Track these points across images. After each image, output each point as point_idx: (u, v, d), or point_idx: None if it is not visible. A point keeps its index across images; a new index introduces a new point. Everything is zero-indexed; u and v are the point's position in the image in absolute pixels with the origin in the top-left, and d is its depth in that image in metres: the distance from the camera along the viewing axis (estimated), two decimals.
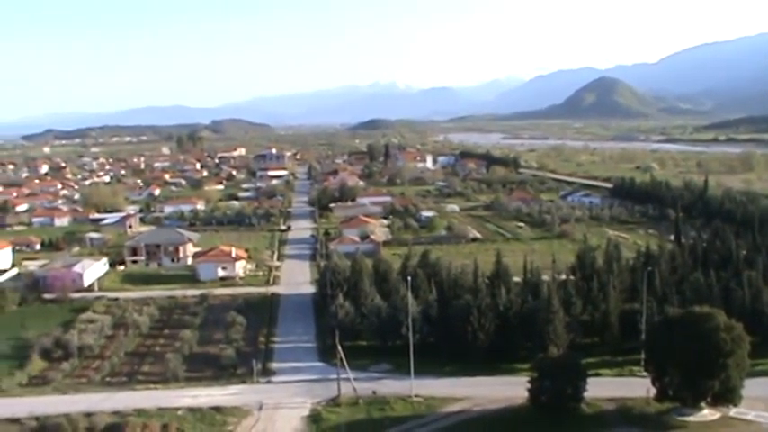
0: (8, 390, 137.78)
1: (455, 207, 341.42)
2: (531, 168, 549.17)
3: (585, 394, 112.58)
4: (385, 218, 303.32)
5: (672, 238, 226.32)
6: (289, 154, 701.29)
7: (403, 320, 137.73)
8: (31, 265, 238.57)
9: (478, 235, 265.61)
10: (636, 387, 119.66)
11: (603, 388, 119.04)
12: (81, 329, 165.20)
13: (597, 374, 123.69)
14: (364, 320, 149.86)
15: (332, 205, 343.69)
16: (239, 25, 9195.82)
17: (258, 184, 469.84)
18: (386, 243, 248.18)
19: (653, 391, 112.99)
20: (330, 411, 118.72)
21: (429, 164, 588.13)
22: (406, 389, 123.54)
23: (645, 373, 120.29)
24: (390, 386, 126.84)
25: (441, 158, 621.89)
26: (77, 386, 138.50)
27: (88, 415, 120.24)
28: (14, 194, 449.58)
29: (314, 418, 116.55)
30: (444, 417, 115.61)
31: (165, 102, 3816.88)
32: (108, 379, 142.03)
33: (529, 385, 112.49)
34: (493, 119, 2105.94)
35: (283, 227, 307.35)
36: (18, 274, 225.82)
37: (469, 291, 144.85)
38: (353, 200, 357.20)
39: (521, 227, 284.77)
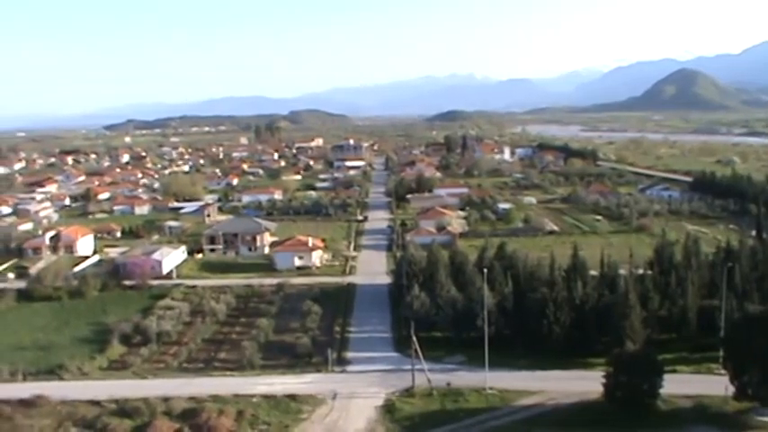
0: (89, 373, 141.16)
1: (532, 199, 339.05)
2: (610, 161, 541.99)
3: (662, 391, 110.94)
4: (462, 209, 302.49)
5: (753, 233, 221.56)
6: (366, 145, 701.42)
7: (478, 312, 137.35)
8: (112, 252, 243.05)
9: (555, 228, 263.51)
10: (713, 385, 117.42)
11: (680, 385, 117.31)
12: (159, 316, 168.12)
13: (674, 371, 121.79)
14: (439, 312, 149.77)
15: (409, 196, 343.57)
16: (317, 18, 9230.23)
17: (335, 175, 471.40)
18: (462, 235, 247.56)
19: (731, 390, 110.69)
20: (404, 402, 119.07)
21: (506, 155, 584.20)
22: (480, 381, 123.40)
23: (723, 371, 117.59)
24: (465, 378, 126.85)
25: (518, 150, 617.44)
26: (155, 371, 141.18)
27: (165, 400, 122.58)
28: (96, 183, 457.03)
29: (388, 409, 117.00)
30: (518, 410, 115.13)
31: (243, 92, 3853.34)
32: (185, 365, 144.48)
33: (604, 380, 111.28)
34: (571, 111, 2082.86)
35: (360, 217, 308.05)
36: (99, 260, 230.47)
37: (546, 284, 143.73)
38: (430, 191, 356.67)
39: (598, 220, 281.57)
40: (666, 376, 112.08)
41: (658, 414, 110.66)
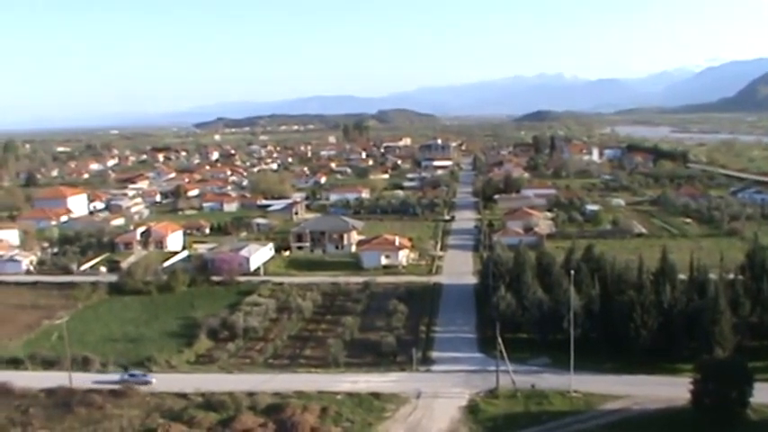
0: (177, 366, 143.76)
1: (621, 201, 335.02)
2: (700, 163, 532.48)
3: (752, 400, 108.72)
4: (549, 210, 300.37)
5: None
6: (454, 144, 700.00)
7: (564, 314, 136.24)
8: (201, 248, 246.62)
9: (644, 230, 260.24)
10: None
11: None
12: (246, 312, 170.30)
13: (766, 380, 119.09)
14: (525, 313, 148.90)
15: (496, 196, 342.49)
16: (406, 18, 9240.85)
17: (423, 174, 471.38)
18: (549, 236, 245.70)
19: None
20: (488, 403, 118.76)
21: (595, 156, 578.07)
22: (564, 384, 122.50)
23: None
24: (549, 380, 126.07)
25: (607, 151, 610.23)
26: (241, 366, 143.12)
27: (251, 394, 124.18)
28: (186, 180, 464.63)
29: (471, 409, 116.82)
30: (603, 414, 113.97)
31: (332, 91, 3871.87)
32: (271, 361, 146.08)
33: (691, 387, 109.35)
34: (661, 111, 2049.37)
35: (447, 217, 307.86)
36: (188, 256, 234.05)
37: (633, 287, 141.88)
38: (518, 191, 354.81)
39: (688, 223, 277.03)
40: (757, 385, 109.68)
41: (748, 423, 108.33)
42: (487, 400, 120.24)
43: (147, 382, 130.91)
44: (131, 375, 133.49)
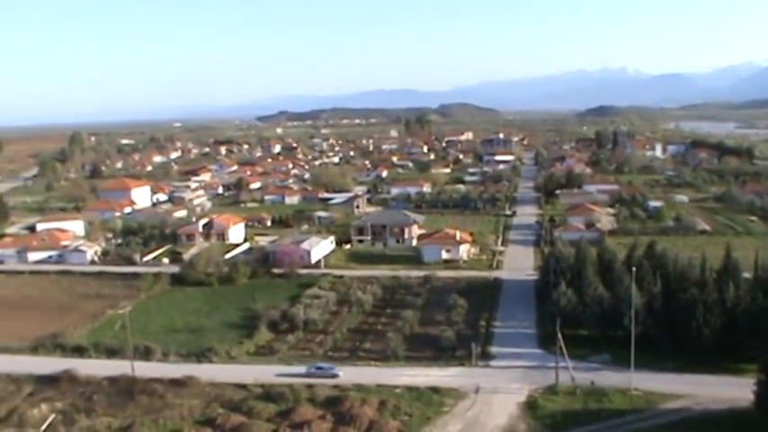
0: (237, 357, 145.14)
1: (684, 198, 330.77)
2: (767, 159, 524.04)
3: None
4: (611, 206, 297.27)
5: None
6: (516, 139, 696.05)
7: (625, 311, 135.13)
8: (262, 241, 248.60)
9: (707, 227, 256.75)
10: None
11: None
12: (307, 304, 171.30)
13: None
14: (586, 309, 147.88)
15: (558, 192, 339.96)
16: (468, 12, 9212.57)
17: (485, 169, 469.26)
18: (611, 232, 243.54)
19: None
20: (547, 399, 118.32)
21: (658, 152, 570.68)
22: (625, 381, 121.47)
23: None
24: (609, 378, 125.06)
25: (670, 147, 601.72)
26: (301, 358, 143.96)
27: (310, 386, 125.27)
28: (248, 173, 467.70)
29: (530, 405, 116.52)
30: (664, 413, 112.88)
31: (394, 85, 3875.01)
32: (330, 353, 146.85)
33: (755, 388, 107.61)
34: (727, 107, 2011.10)
35: (508, 212, 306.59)
36: (250, 248, 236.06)
37: (696, 285, 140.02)
38: (580, 187, 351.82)
39: (753, 221, 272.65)
40: None
41: None
42: (546, 396, 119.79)
43: (334, 375, 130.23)
44: (318, 368, 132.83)
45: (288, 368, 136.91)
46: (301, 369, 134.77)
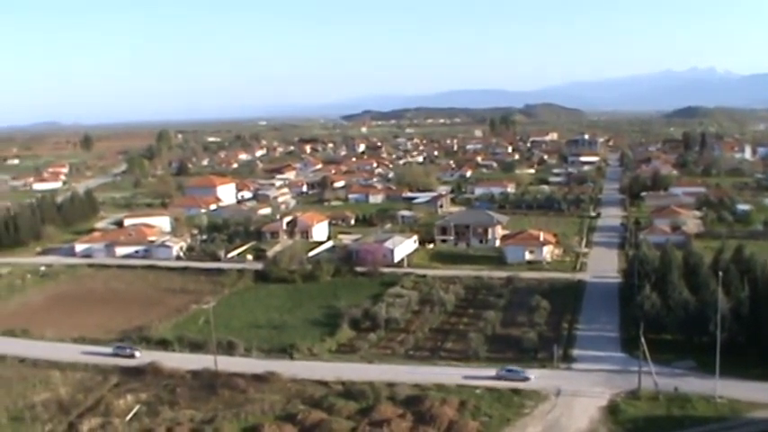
0: (319, 354, 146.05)
1: None
2: None
3: None
4: (698, 209, 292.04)
5: None
6: (601, 140, 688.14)
7: (711, 317, 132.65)
8: (346, 239, 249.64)
9: None
10: None
11: None
12: (389, 303, 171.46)
13: None
14: (670, 314, 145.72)
15: (643, 194, 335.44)
16: (557, 12, 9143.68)
17: (569, 170, 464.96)
18: (698, 235, 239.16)
19: None
20: (629, 404, 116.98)
21: (747, 154, 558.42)
22: (709, 389, 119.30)
23: None
24: (693, 384, 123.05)
25: (760, 149, 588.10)
26: (382, 357, 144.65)
27: (390, 385, 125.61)
28: (333, 171, 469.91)
29: (611, 410, 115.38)
30: (749, 423, 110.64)
31: (479, 85, 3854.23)
32: (411, 352, 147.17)
33: None
34: None
35: (593, 213, 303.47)
36: (333, 246, 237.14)
37: None
38: (666, 189, 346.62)
39: None
40: None
41: None
42: (628, 401, 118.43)
43: (525, 379, 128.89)
44: (509, 371, 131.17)
45: (474, 370, 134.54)
46: (491, 371, 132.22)
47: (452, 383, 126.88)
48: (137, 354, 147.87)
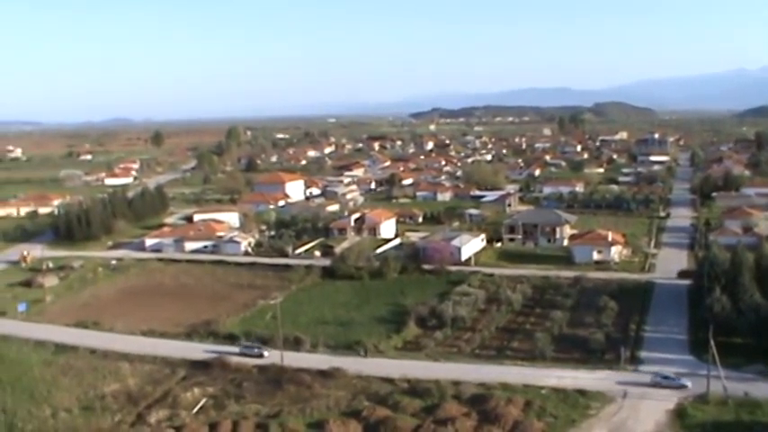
0: (385, 351, 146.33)
1: None
2: None
3: None
4: None
5: None
6: (671, 139, 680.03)
7: None
8: (413, 237, 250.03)
9: None
10: None
11: None
12: (455, 301, 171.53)
13: None
14: (741, 317, 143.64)
15: (714, 194, 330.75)
16: (624, 9, 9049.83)
17: (639, 169, 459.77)
18: None
19: None
20: (697, 408, 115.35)
21: None
22: None
23: None
24: (763, 389, 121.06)
25: None
26: (448, 355, 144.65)
27: (456, 383, 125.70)
28: (401, 169, 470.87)
29: (679, 413, 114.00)
30: None
31: (548, 83, 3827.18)
32: (477, 351, 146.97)
33: None
34: None
35: (662, 214, 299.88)
36: (400, 243, 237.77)
37: None
38: (737, 190, 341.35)
39: None
40: None
41: None
42: (696, 405, 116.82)
43: (681, 386, 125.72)
44: (665, 378, 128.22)
45: (627, 375, 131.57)
46: (645, 378, 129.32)
47: (518, 383, 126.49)
48: (265, 353, 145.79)
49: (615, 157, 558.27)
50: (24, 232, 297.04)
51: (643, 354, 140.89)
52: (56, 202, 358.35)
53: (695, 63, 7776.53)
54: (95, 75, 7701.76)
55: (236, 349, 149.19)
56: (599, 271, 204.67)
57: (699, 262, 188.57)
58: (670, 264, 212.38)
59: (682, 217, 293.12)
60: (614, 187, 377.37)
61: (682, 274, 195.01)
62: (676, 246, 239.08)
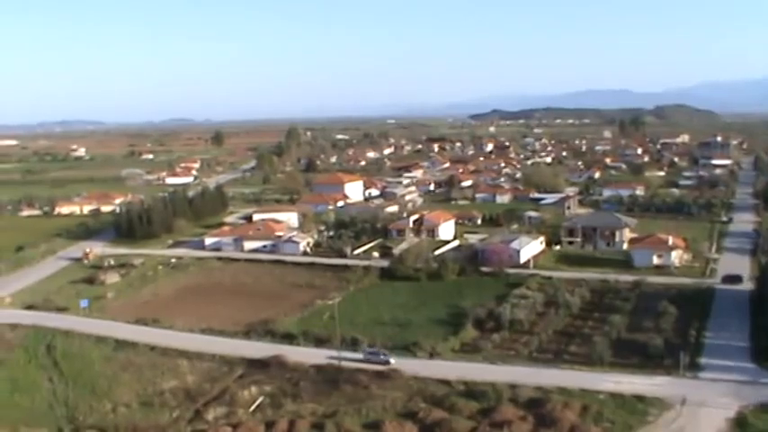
0: (442, 353, 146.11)
1: None
2: None
3: None
4: None
5: None
6: (734, 143, 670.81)
7: None
8: (472, 239, 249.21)
9: None
10: None
11: None
12: (513, 304, 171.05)
13: None
14: None
15: None
16: (686, 9, 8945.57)
17: (700, 173, 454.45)
18: None
19: None
20: (758, 417, 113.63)
21: None
22: None
23: None
24: None
25: None
26: (505, 358, 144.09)
27: (512, 387, 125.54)
28: (460, 170, 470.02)
29: (739, 422, 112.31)
30: None
31: (608, 85, 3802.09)
32: (535, 354, 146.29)
33: None
34: None
35: (724, 218, 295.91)
36: (459, 245, 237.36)
37: None
38: None
39: None
40: None
41: None
42: (758, 414, 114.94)
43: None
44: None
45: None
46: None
47: (575, 387, 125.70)
48: (391, 361, 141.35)
49: (676, 160, 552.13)
50: (87, 230, 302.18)
51: (703, 360, 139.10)
52: (118, 201, 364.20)
53: (759, 65, 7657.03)
54: (156, 75, 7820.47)
55: (359, 355, 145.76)
56: (659, 275, 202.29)
57: (761, 267, 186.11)
58: (731, 269, 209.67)
59: (744, 222, 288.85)
60: (675, 191, 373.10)
61: (726, 279, 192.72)
62: (738, 251, 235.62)
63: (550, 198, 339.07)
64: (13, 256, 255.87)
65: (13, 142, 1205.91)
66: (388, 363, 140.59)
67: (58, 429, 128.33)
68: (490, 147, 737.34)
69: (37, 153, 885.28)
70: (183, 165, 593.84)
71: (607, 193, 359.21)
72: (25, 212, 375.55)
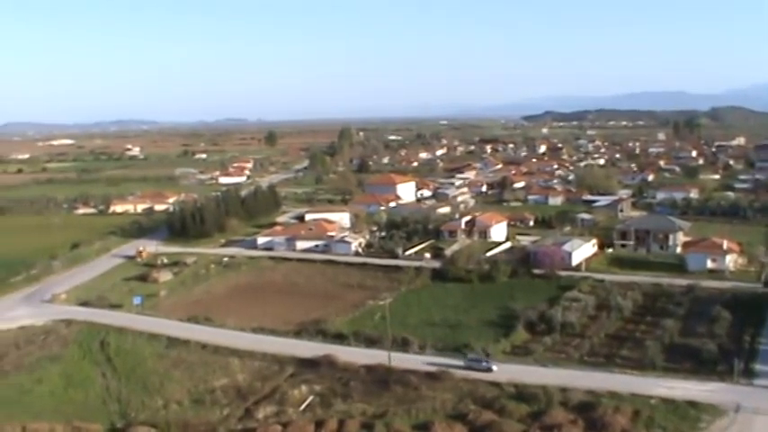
0: (492, 355, 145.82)
1: None
2: None
3: None
4: None
5: None
6: None
7: None
8: (524, 240, 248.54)
9: None
10: None
11: None
12: (565, 307, 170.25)
13: None
14: None
15: None
16: (742, 10, 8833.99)
17: (757, 176, 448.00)
18: None
19: None
20: None
21: None
22: None
23: None
24: None
25: None
26: (556, 360, 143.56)
27: (563, 390, 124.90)
28: (513, 172, 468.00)
29: None
30: None
31: (662, 87, 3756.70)
32: (586, 358, 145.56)
33: None
34: None
35: None
36: (511, 247, 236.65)
37: None
38: None
39: None
40: None
41: None
42: None
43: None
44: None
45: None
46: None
47: (626, 392, 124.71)
48: (494, 368, 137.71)
49: (732, 162, 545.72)
50: (140, 228, 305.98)
51: (758, 367, 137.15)
52: (171, 200, 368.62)
53: None
54: (210, 76, 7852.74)
55: (459, 362, 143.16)
56: (713, 280, 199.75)
57: None
58: None
59: None
60: (730, 194, 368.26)
61: None
62: None
63: (603, 200, 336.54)
64: (68, 253, 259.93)
65: (70, 141, 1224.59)
66: (490, 369, 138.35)
67: (111, 424, 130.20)
68: (543, 148, 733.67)
69: (93, 152, 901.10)
70: (235, 164, 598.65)
71: (660, 195, 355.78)
72: (80, 210, 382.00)
